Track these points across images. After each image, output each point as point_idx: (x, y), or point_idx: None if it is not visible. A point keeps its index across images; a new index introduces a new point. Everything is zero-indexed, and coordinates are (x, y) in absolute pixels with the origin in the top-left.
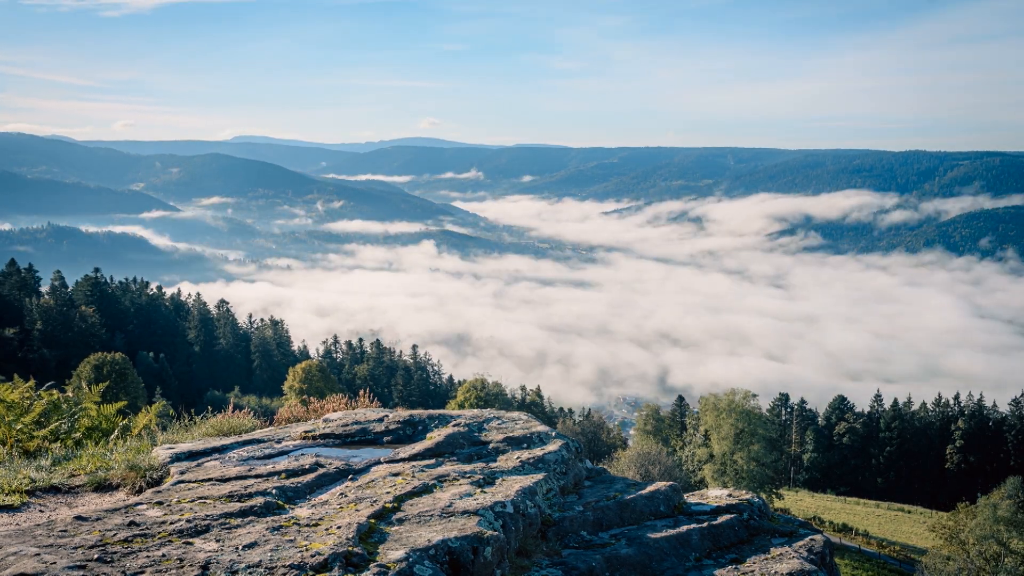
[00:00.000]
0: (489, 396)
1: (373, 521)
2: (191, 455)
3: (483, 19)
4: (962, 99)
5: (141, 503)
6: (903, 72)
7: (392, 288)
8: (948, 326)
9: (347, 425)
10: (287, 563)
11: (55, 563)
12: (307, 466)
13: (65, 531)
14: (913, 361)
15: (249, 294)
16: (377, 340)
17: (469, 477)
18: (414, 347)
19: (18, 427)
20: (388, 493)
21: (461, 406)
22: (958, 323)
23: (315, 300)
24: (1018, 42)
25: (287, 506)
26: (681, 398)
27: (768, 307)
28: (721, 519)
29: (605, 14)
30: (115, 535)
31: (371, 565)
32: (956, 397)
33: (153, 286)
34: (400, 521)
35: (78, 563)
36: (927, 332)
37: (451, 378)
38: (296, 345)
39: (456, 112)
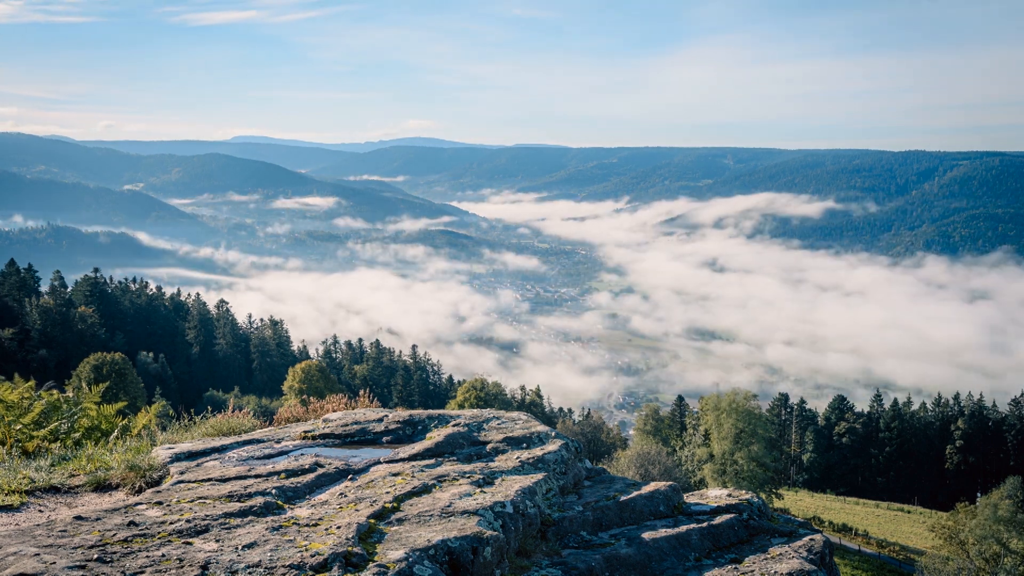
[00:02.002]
0: (489, 396)
1: (373, 521)
2: (191, 455)
3: (482, 19)
4: (962, 99)
5: (141, 503)
6: (903, 71)
7: (391, 288)
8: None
9: (347, 425)
10: (287, 563)
11: (55, 563)
12: (307, 466)
13: (65, 531)
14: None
15: (249, 294)
16: (377, 340)
17: (469, 477)
18: (414, 347)
19: (18, 427)
20: (388, 493)
21: (461, 406)
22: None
23: (315, 300)
24: (1018, 42)
25: (287, 506)
26: (681, 398)
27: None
28: (721, 519)
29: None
30: (115, 535)
31: (371, 565)
32: (956, 397)
33: (152, 286)
34: (400, 521)
35: (78, 563)
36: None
37: (451, 378)
38: (296, 345)
39: (456, 112)
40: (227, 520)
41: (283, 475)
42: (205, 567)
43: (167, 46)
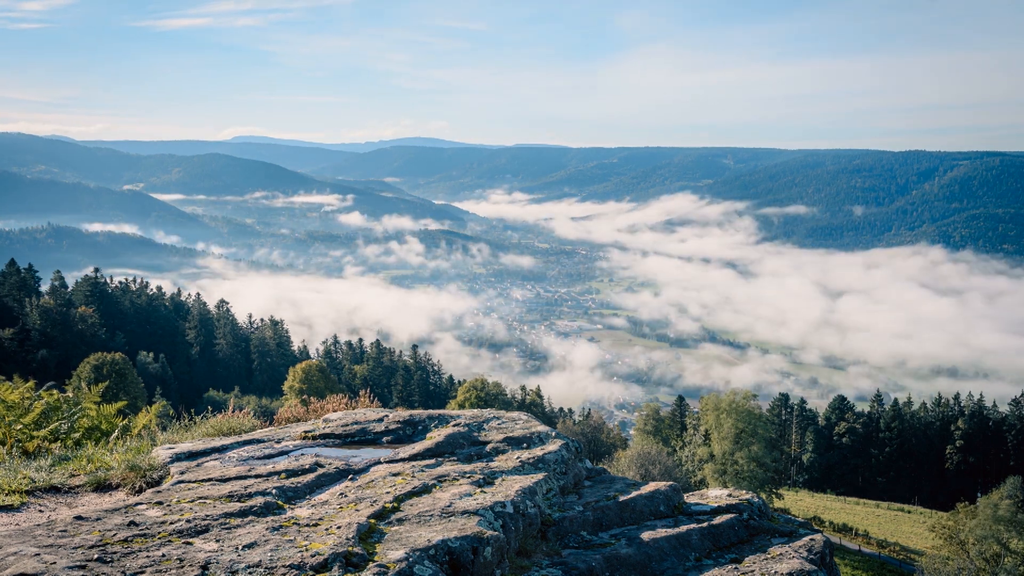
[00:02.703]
0: (489, 396)
1: (373, 521)
2: (191, 455)
3: (483, 18)
4: (962, 99)
5: (141, 503)
6: (903, 71)
7: (391, 288)
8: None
9: (347, 425)
10: (287, 563)
11: (55, 563)
12: (307, 466)
13: (65, 531)
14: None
15: (249, 294)
16: (377, 340)
17: (469, 477)
18: (414, 347)
19: (18, 427)
20: (388, 493)
21: (461, 406)
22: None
23: (315, 300)
24: (1018, 42)
25: (287, 506)
26: (681, 398)
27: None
28: (721, 519)
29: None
30: (115, 535)
31: (371, 565)
32: (956, 397)
33: (153, 286)
34: (400, 521)
35: (78, 563)
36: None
37: (451, 378)
38: (296, 345)
39: (456, 112)
40: (227, 520)
41: (283, 475)
42: (205, 567)
43: (140, 50)
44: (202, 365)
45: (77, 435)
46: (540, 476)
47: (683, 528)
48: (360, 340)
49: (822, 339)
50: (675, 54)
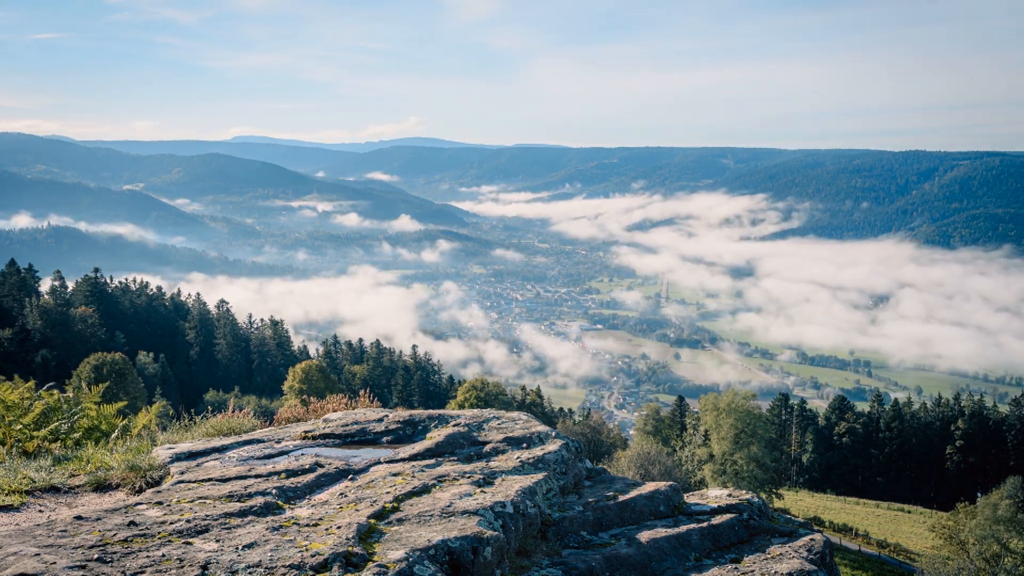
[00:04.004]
0: (489, 396)
1: (373, 521)
2: (191, 455)
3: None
4: (962, 99)
5: (141, 503)
6: (903, 72)
7: (391, 287)
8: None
9: (347, 425)
10: (287, 563)
11: (55, 563)
12: (307, 466)
13: (65, 531)
14: None
15: (249, 294)
16: (377, 340)
17: (469, 477)
18: (414, 347)
19: (18, 427)
20: (388, 493)
21: (461, 406)
22: None
23: (315, 300)
24: (1019, 42)
25: (287, 506)
26: (681, 398)
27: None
28: (721, 519)
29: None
30: (115, 535)
31: (371, 565)
32: (956, 397)
33: (153, 286)
34: (400, 521)
35: (78, 563)
36: None
37: (451, 378)
38: (296, 345)
39: (456, 112)
40: (227, 520)
41: (283, 475)
42: (205, 567)
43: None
44: (202, 365)
45: (77, 435)
46: (540, 476)
47: (683, 528)
48: (360, 340)
49: (822, 339)
50: (675, 53)
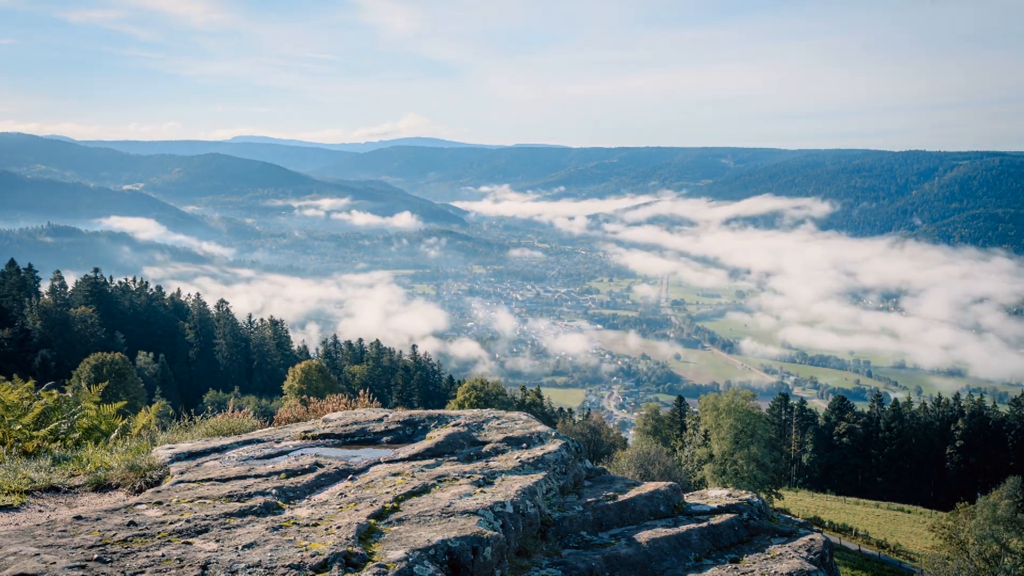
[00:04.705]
0: (489, 396)
1: (373, 521)
2: (191, 455)
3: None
4: (962, 99)
5: (141, 503)
6: (904, 71)
7: (391, 287)
8: None
9: (347, 425)
10: (287, 563)
11: (55, 563)
12: (307, 466)
13: (65, 531)
14: None
15: (249, 294)
16: (377, 340)
17: (469, 477)
18: (414, 347)
19: (18, 427)
20: (388, 493)
21: (461, 406)
22: None
23: (315, 300)
24: (1019, 42)
25: (287, 506)
26: (681, 398)
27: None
28: (721, 519)
29: None
30: (115, 535)
31: (371, 565)
32: (956, 397)
33: (152, 286)
34: (400, 521)
35: (78, 563)
36: None
37: (451, 378)
38: (296, 345)
39: (456, 112)
40: (227, 520)
41: (283, 475)
42: (205, 567)
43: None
44: (202, 365)
45: (77, 435)
46: (540, 476)
47: (683, 528)
48: (360, 340)
49: (822, 339)
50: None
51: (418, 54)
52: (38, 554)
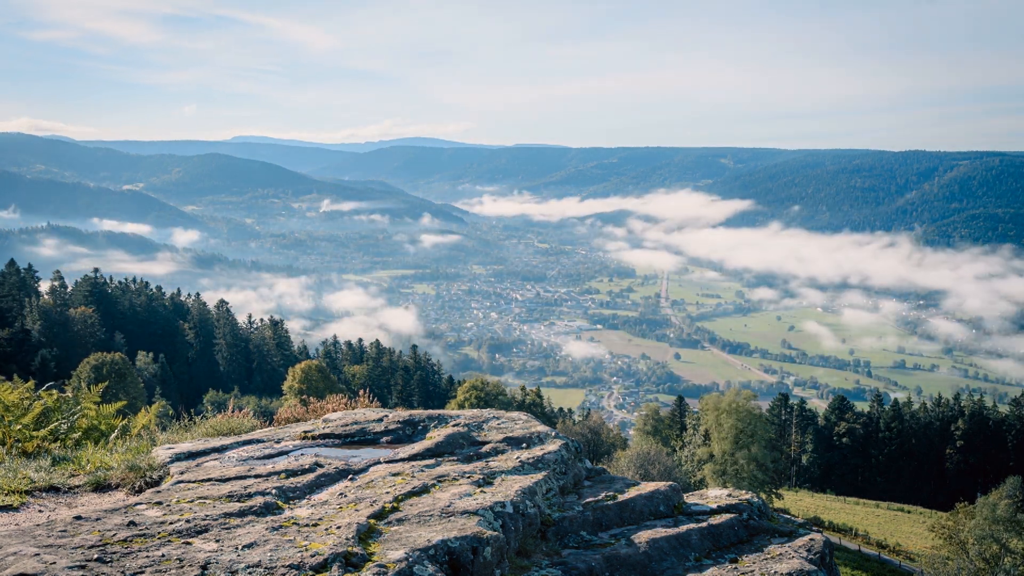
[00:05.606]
0: (489, 396)
1: (373, 521)
2: (191, 455)
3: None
4: (962, 99)
5: (140, 503)
6: (904, 71)
7: (392, 287)
8: None
9: (347, 425)
10: (286, 563)
11: (55, 563)
12: (307, 466)
13: (65, 531)
14: None
15: (249, 294)
16: (376, 340)
17: (469, 477)
18: (414, 347)
19: (17, 428)
20: (388, 493)
21: (461, 406)
22: None
23: (315, 300)
24: (1019, 42)
25: (287, 506)
26: (681, 398)
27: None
28: (721, 519)
29: None
30: (115, 535)
31: (370, 565)
32: (956, 397)
33: (152, 286)
34: (400, 521)
35: (78, 563)
36: None
37: (451, 378)
38: (295, 345)
39: (456, 112)
40: (227, 520)
41: (283, 475)
42: (205, 567)
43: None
44: (202, 365)
45: (77, 435)
46: (540, 476)
47: (683, 528)
48: (360, 340)
49: (822, 339)
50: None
51: (351, 66)
52: (38, 554)
